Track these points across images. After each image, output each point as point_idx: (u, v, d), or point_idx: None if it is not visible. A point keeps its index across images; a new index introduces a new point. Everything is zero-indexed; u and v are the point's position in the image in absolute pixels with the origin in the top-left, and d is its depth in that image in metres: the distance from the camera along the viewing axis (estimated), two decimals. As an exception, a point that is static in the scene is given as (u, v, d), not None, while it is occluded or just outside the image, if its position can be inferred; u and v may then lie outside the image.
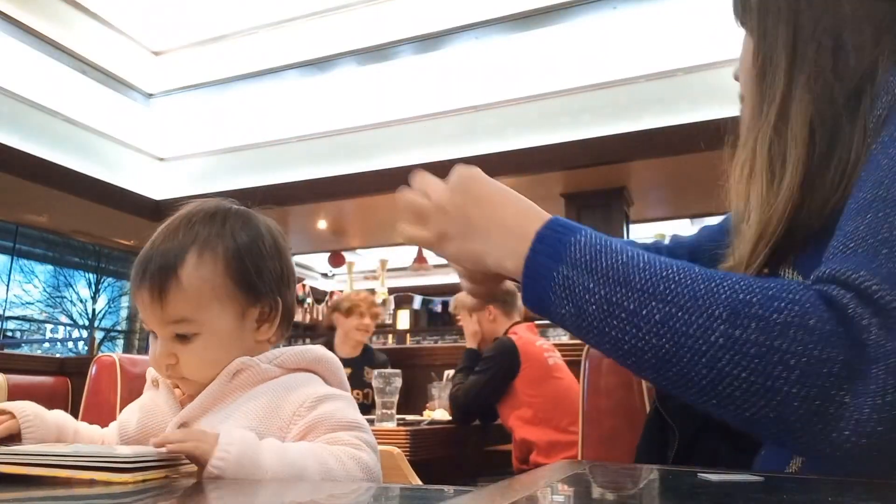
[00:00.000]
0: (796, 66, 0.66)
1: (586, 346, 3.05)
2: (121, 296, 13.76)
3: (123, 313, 13.47)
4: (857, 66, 0.64)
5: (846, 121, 0.63)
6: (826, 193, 0.63)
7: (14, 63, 4.60)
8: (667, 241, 1.00)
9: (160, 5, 4.75)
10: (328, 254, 7.80)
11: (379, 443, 0.80)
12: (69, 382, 3.92)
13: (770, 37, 0.69)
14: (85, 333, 13.85)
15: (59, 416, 0.81)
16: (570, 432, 2.39)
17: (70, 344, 13.65)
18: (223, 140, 5.54)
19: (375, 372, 2.38)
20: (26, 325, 13.51)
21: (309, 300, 9.44)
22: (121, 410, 0.89)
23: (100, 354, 1.90)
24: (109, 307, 14.19)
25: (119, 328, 13.69)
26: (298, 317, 8.76)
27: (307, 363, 0.83)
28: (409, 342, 8.71)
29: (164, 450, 0.62)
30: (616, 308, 0.55)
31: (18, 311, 12.86)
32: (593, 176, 4.59)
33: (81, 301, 13.96)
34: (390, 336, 9.15)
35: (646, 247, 0.96)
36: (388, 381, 2.30)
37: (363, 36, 4.67)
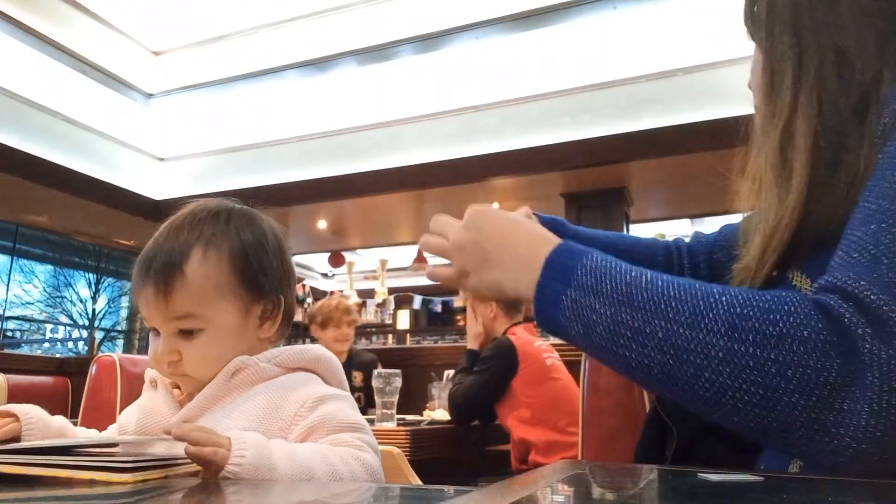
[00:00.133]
0: (801, 78, 0.67)
1: (586, 346, 3.03)
2: (121, 296, 13.76)
3: (123, 313, 13.48)
4: (862, 77, 0.65)
5: (852, 130, 0.64)
6: (834, 201, 0.64)
7: (14, 63, 4.60)
8: (688, 239, 1.01)
9: (160, 5, 4.75)
10: (328, 254, 7.80)
11: (379, 443, 0.80)
12: (69, 382, 3.92)
13: (776, 50, 0.70)
14: (85, 333, 13.86)
15: (61, 421, 0.82)
16: (568, 433, 2.39)
17: (70, 344, 13.65)
18: (223, 140, 5.53)
19: (375, 372, 2.38)
20: (26, 325, 13.51)
21: (309, 300, 9.43)
22: (121, 410, 0.89)
23: (100, 354, 1.90)
24: (109, 307, 14.19)
25: (119, 328, 13.69)
26: (298, 317, 8.75)
27: (306, 362, 0.83)
28: (409, 342, 8.71)
29: (165, 447, 0.61)
30: (622, 327, 0.58)
31: (18, 311, 12.87)
32: (593, 176, 4.59)
33: (81, 301, 13.96)
34: (390, 336, 9.14)
35: (666, 245, 0.98)
36: (388, 381, 2.30)
37: (363, 36, 4.67)
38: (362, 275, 9.38)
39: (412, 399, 3.12)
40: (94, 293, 14.02)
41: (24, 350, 12.15)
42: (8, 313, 12.21)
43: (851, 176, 0.63)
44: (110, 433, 0.87)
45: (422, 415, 2.97)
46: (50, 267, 13.64)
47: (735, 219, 0.98)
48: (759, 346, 0.53)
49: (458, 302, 8.57)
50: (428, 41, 4.56)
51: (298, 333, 8.44)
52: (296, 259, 7.94)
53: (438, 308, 9.10)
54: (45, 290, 13.62)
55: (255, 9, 4.76)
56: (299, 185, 5.20)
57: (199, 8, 4.77)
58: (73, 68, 4.87)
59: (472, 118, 4.77)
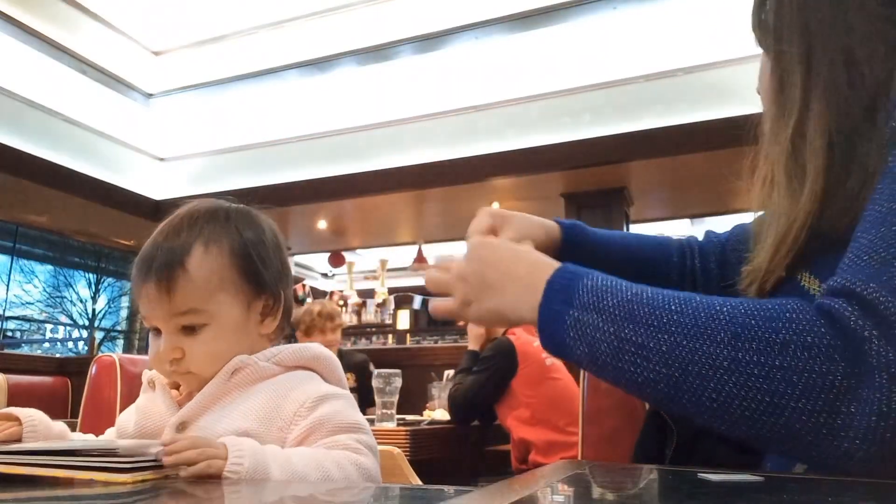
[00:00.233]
0: (811, 82, 0.68)
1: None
2: (121, 296, 13.76)
3: (123, 313, 13.47)
4: (872, 79, 0.65)
5: (863, 132, 0.64)
6: (845, 203, 0.64)
7: (14, 63, 4.60)
8: (700, 238, 1.01)
9: (160, 5, 4.75)
10: (328, 254, 7.80)
11: (379, 443, 0.80)
12: (69, 382, 3.92)
13: (785, 54, 0.70)
14: (85, 333, 13.85)
15: (62, 428, 0.82)
16: (568, 432, 2.39)
17: (70, 344, 13.65)
18: (223, 140, 5.53)
19: (375, 372, 2.38)
20: (26, 325, 13.50)
21: (309, 300, 9.44)
22: (121, 410, 0.89)
23: (100, 354, 1.90)
24: (109, 307, 14.19)
25: (119, 328, 13.69)
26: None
27: (306, 361, 0.83)
28: (409, 342, 8.70)
29: (162, 450, 0.61)
30: (626, 343, 0.58)
31: (18, 311, 12.86)
32: (593, 176, 4.59)
33: (81, 301, 13.96)
34: (390, 336, 9.14)
35: (680, 243, 0.98)
36: (388, 381, 2.30)
37: (363, 36, 4.67)
38: (362, 275, 9.37)
39: (412, 399, 3.12)
40: (94, 293, 14.02)
41: (24, 350, 12.15)
42: (8, 313, 12.21)
43: (862, 178, 0.63)
44: (108, 437, 0.87)
45: (422, 415, 2.97)
46: (50, 267, 13.64)
47: (744, 218, 0.98)
48: (763, 354, 0.53)
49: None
50: (428, 41, 4.55)
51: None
52: (296, 259, 7.95)
53: (438, 308, 9.08)
54: (45, 290, 13.62)
55: (255, 9, 4.76)
56: (299, 185, 5.20)
57: (199, 8, 4.76)
58: (73, 68, 4.86)
59: (472, 118, 4.77)
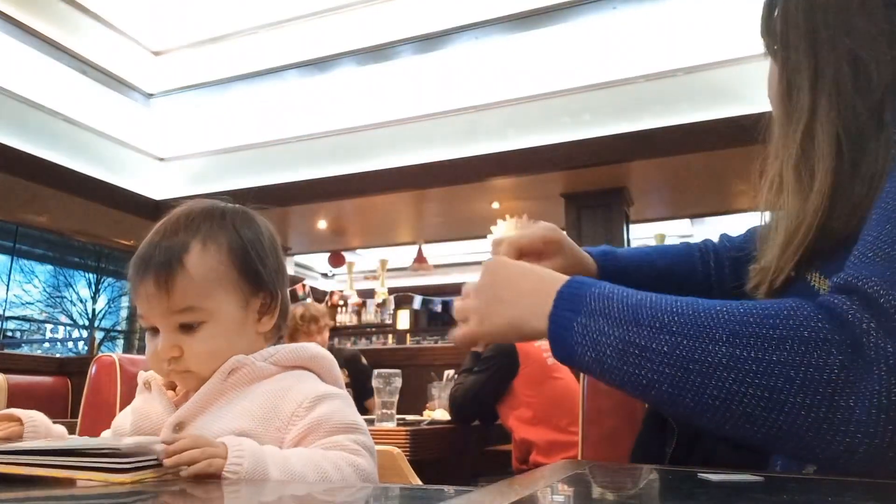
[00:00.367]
0: (818, 84, 0.69)
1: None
2: (121, 296, 13.76)
3: (123, 313, 13.47)
4: (878, 80, 0.66)
5: (871, 133, 0.65)
6: (854, 203, 0.64)
7: (14, 63, 4.60)
8: (716, 240, 1.02)
9: (160, 5, 4.75)
10: (328, 254, 7.80)
11: (379, 443, 0.80)
12: (69, 382, 3.92)
13: (792, 59, 0.72)
14: (85, 333, 13.85)
15: (62, 430, 0.83)
16: (570, 432, 2.39)
17: (70, 344, 13.65)
18: (223, 140, 5.53)
19: (375, 372, 2.38)
20: (26, 325, 13.50)
21: (309, 300, 9.44)
22: (121, 410, 0.89)
23: (100, 354, 1.90)
24: (109, 307, 14.19)
25: (119, 328, 13.69)
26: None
27: (302, 360, 0.83)
28: (409, 342, 8.71)
29: (162, 448, 0.61)
30: (630, 346, 0.59)
31: (18, 311, 12.86)
32: (593, 176, 4.59)
33: (81, 301, 13.96)
34: (390, 336, 9.14)
35: (700, 250, 0.99)
36: (388, 381, 2.30)
37: (363, 36, 4.67)
38: (362, 275, 9.38)
39: (412, 399, 3.13)
40: (94, 293, 14.02)
41: (24, 350, 12.16)
42: (8, 313, 12.21)
43: (870, 178, 0.64)
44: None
45: (422, 415, 2.97)
46: (50, 267, 13.64)
47: (744, 218, 0.99)
48: (760, 350, 0.53)
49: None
50: (428, 41, 4.56)
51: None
52: (296, 259, 7.94)
53: (438, 308, 9.08)
54: (45, 290, 13.62)
55: (255, 9, 4.76)
56: (299, 185, 5.20)
57: (199, 8, 4.77)
58: (73, 68, 4.87)
59: (472, 118, 4.77)
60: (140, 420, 0.83)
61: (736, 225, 1.03)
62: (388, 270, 8.39)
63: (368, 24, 4.65)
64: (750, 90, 3.75)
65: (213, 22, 4.91)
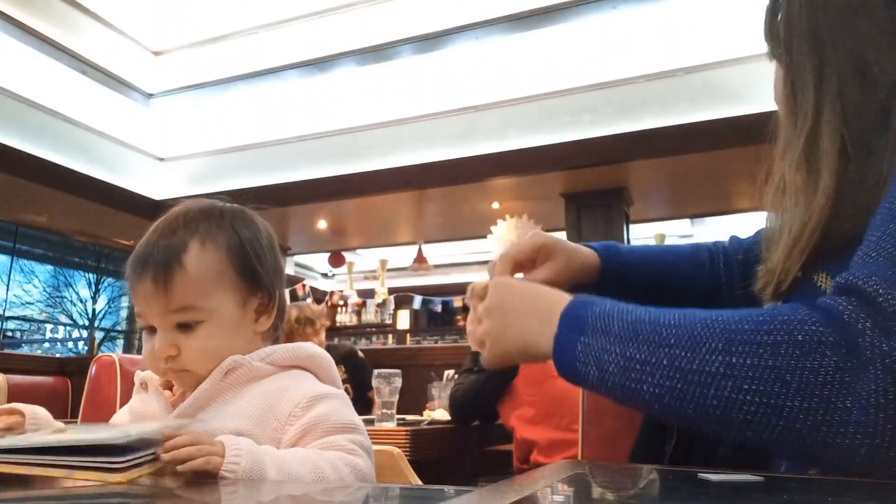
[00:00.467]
0: (823, 86, 0.69)
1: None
2: (121, 296, 13.75)
3: (123, 313, 13.46)
4: (883, 81, 0.66)
5: (877, 133, 0.65)
6: (859, 203, 0.64)
7: (14, 63, 4.60)
8: (725, 241, 1.02)
9: (160, 5, 4.75)
10: (328, 254, 7.80)
11: (379, 443, 0.80)
12: (69, 382, 3.92)
13: (796, 62, 0.72)
14: (85, 333, 13.85)
15: (63, 427, 0.82)
16: (572, 430, 2.38)
17: (70, 344, 13.65)
18: (223, 140, 5.53)
19: (375, 372, 2.38)
20: (26, 325, 13.50)
21: (309, 300, 9.44)
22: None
23: (100, 354, 1.90)
24: (109, 307, 14.19)
25: (119, 328, 13.68)
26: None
27: (299, 360, 0.83)
28: (409, 342, 8.71)
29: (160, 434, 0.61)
30: (631, 361, 0.60)
31: (18, 311, 12.86)
32: (593, 176, 4.59)
33: (81, 301, 13.96)
34: (390, 336, 9.14)
35: (709, 250, 0.99)
36: (388, 381, 2.30)
37: (363, 36, 4.67)
38: (362, 275, 9.37)
39: (412, 399, 3.12)
40: (94, 293, 14.02)
41: (24, 350, 12.15)
42: (8, 313, 12.20)
43: (876, 178, 0.64)
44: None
45: (422, 415, 2.97)
46: (50, 267, 13.64)
47: (744, 218, 0.98)
48: (756, 357, 0.54)
49: (458, 302, 8.58)
50: (428, 41, 4.56)
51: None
52: (296, 259, 7.94)
53: (438, 308, 9.10)
54: (45, 290, 13.61)
55: (255, 9, 4.76)
56: (299, 185, 5.20)
57: (199, 8, 4.76)
58: (73, 68, 4.86)
59: (472, 118, 4.77)
60: (137, 420, 0.82)
61: (736, 225, 1.02)
62: (388, 270, 8.39)
63: (368, 24, 4.65)
64: (750, 90, 3.75)
65: (213, 22, 4.91)
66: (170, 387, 0.85)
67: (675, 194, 5.15)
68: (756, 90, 3.65)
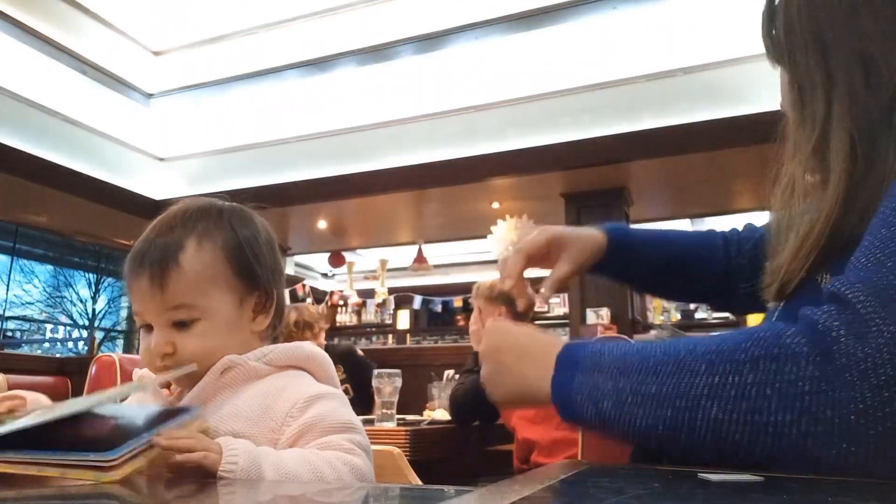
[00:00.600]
0: (831, 89, 0.68)
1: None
2: (121, 296, 13.76)
3: (123, 313, 13.47)
4: (890, 79, 0.66)
5: (883, 133, 0.65)
6: (865, 204, 0.64)
7: (14, 63, 4.60)
8: (741, 228, 1.02)
9: (160, 5, 4.75)
10: (328, 254, 7.80)
11: (379, 443, 0.80)
12: (69, 382, 3.92)
13: (802, 66, 0.71)
14: (85, 333, 13.85)
15: None
16: (573, 430, 2.39)
17: (70, 344, 13.65)
18: (223, 140, 5.54)
19: (375, 372, 2.38)
20: (26, 325, 13.50)
21: (309, 300, 9.44)
22: (120, 410, 0.89)
23: (100, 354, 1.90)
24: (109, 307, 14.19)
25: (119, 328, 13.69)
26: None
27: (297, 360, 0.83)
28: (409, 342, 8.71)
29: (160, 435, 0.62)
30: (623, 394, 0.60)
31: (18, 311, 12.86)
32: (593, 176, 4.59)
33: (81, 301, 13.96)
34: (390, 336, 9.14)
35: (724, 237, 0.99)
36: (388, 381, 2.30)
37: (363, 36, 4.67)
38: (362, 275, 9.37)
39: (412, 399, 3.12)
40: (94, 293, 14.02)
41: (24, 350, 12.15)
42: (8, 313, 12.21)
43: (881, 178, 0.63)
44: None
45: (422, 415, 2.97)
46: (50, 267, 13.64)
47: (744, 218, 0.98)
48: (736, 374, 0.54)
49: (458, 302, 8.58)
50: (428, 41, 4.56)
51: (298, 333, 8.41)
52: (296, 259, 7.94)
53: (438, 308, 9.10)
54: (45, 290, 13.62)
55: (255, 9, 4.76)
56: (299, 185, 5.20)
57: (199, 8, 4.77)
58: (73, 68, 4.87)
59: (472, 118, 4.77)
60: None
61: (736, 225, 1.02)
62: (388, 270, 8.39)
63: (368, 24, 4.65)
64: (750, 90, 3.75)
65: (213, 22, 4.91)
66: (167, 385, 0.85)
67: (675, 194, 5.15)
68: (756, 90, 3.66)
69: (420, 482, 1.02)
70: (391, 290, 8.59)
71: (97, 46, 4.89)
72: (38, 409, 0.76)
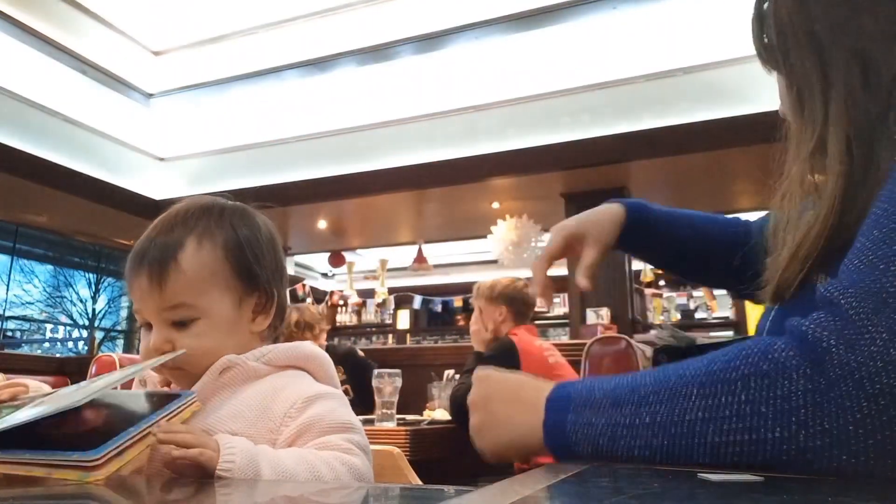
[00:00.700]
0: (828, 89, 0.68)
1: (586, 346, 3.03)
2: (121, 296, 13.76)
3: (123, 313, 13.47)
4: (887, 78, 0.65)
5: (879, 134, 0.64)
6: (862, 205, 0.63)
7: (14, 63, 4.60)
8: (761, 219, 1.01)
9: (160, 5, 4.75)
10: (328, 254, 7.80)
11: (379, 443, 0.79)
12: (69, 382, 3.91)
13: (798, 69, 0.70)
14: (85, 333, 13.86)
15: None
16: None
17: (70, 344, 13.65)
18: (223, 140, 5.54)
19: (375, 372, 2.38)
20: (26, 325, 13.50)
21: (309, 300, 9.44)
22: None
23: (100, 354, 1.90)
24: (109, 307, 14.19)
25: (119, 328, 13.69)
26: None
27: (296, 360, 0.82)
28: (409, 342, 8.71)
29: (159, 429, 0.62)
30: (617, 428, 0.59)
31: (18, 311, 12.86)
32: (593, 176, 4.59)
33: (81, 301, 13.96)
34: (390, 336, 9.14)
35: (747, 226, 0.97)
36: (388, 381, 2.30)
37: (363, 36, 4.67)
38: (362, 275, 9.37)
39: (412, 399, 3.12)
40: (94, 293, 14.02)
41: (24, 350, 12.15)
42: (8, 313, 12.21)
43: (877, 180, 0.63)
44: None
45: (422, 415, 2.97)
46: (50, 267, 13.64)
47: (745, 217, 0.97)
48: (729, 394, 0.53)
49: (458, 302, 8.58)
50: (428, 41, 4.56)
51: (298, 333, 8.41)
52: (296, 259, 7.94)
53: (438, 308, 9.10)
54: (45, 290, 13.62)
55: (255, 9, 4.76)
56: (299, 185, 5.20)
57: (199, 8, 4.76)
58: (73, 68, 4.87)
59: (472, 118, 4.77)
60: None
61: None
62: (388, 270, 8.38)
63: (368, 24, 4.65)
64: (750, 90, 3.75)
65: (213, 22, 4.91)
66: (168, 384, 0.85)
67: (675, 194, 5.15)
68: (756, 90, 3.66)
69: (420, 482, 1.01)
70: (391, 290, 8.59)
71: (97, 46, 4.89)
72: (39, 396, 0.76)
